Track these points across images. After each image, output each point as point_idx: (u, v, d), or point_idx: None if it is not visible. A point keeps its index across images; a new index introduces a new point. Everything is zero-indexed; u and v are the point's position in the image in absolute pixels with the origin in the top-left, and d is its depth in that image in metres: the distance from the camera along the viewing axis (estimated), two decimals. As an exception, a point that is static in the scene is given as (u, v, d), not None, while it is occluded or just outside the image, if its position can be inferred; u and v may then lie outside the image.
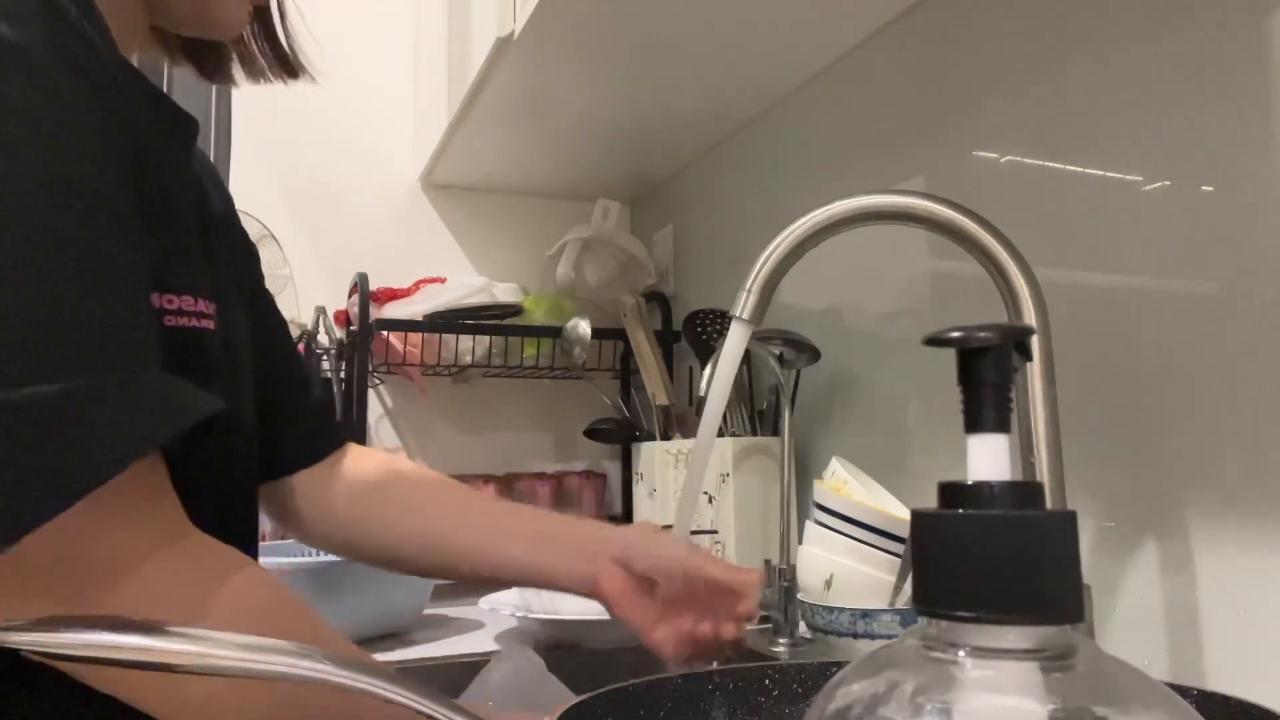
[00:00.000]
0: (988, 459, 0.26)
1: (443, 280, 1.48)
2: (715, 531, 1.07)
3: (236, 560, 0.47)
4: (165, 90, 0.59)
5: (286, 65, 0.70)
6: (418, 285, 1.47)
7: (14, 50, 0.41)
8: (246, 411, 0.62)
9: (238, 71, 0.70)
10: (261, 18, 0.68)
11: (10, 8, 0.42)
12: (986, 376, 0.26)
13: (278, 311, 0.76)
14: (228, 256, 0.65)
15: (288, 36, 0.70)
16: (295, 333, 1.42)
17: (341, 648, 0.50)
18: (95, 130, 0.44)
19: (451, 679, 0.87)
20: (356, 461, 0.76)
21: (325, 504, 0.73)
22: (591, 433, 1.45)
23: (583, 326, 1.35)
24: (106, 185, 0.43)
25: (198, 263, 0.56)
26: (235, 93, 1.50)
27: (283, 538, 1.11)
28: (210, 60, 0.69)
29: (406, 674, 0.34)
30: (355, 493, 0.74)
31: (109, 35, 0.49)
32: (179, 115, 0.58)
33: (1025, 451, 0.60)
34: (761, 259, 0.61)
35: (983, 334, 0.26)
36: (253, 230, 1.44)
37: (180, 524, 0.45)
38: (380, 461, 0.77)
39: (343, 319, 1.46)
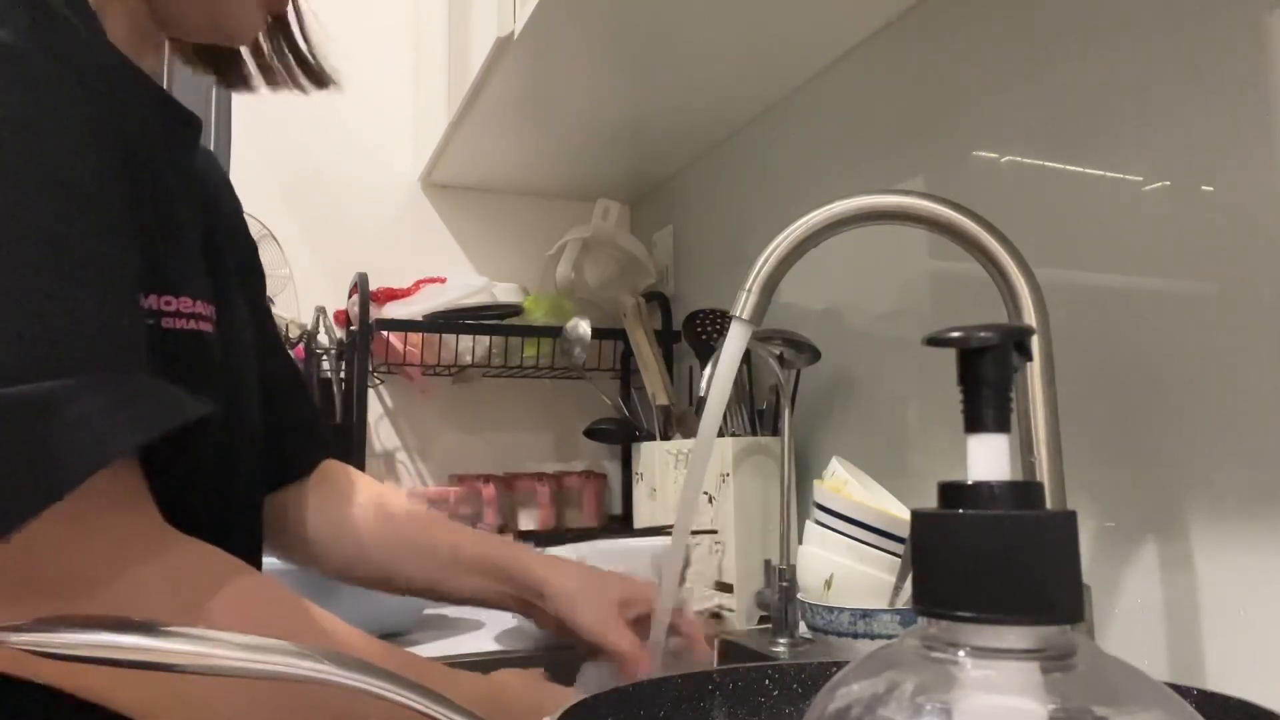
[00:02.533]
0: (988, 459, 0.26)
1: (443, 280, 1.48)
2: (715, 531, 1.07)
3: (221, 567, 0.46)
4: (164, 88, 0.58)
5: (309, 73, 0.70)
6: (418, 285, 1.47)
7: (3, 51, 0.40)
8: (249, 418, 0.61)
9: (257, 79, 0.69)
10: (281, 26, 0.67)
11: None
12: (986, 376, 0.26)
13: (274, 322, 0.77)
14: (235, 260, 0.64)
15: (309, 44, 0.69)
16: (295, 333, 1.42)
17: (345, 639, 0.50)
18: (80, 125, 0.43)
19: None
20: (330, 481, 0.76)
21: (294, 520, 0.74)
22: (591, 433, 1.45)
23: (583, 326, 1.35)
24: (92, 181, 0.43)
25: (197, 264, 0.55)
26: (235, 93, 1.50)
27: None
28: (230, 68, 0.68)
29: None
30: (324, 514, 0.74)
31: (100, 29, 0.48)
32: (181, 113, 0.57)
33: (1025, 451, 0.60)
34: (761, 259, 0.61)
35: (983, 334, 0.26)
36: (253, 230, 1.44)
37: (158, 533, 0.44)
38: (350, 484, 0.77)
39: (343, 319, 1.46)
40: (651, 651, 0.64)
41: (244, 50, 0.68)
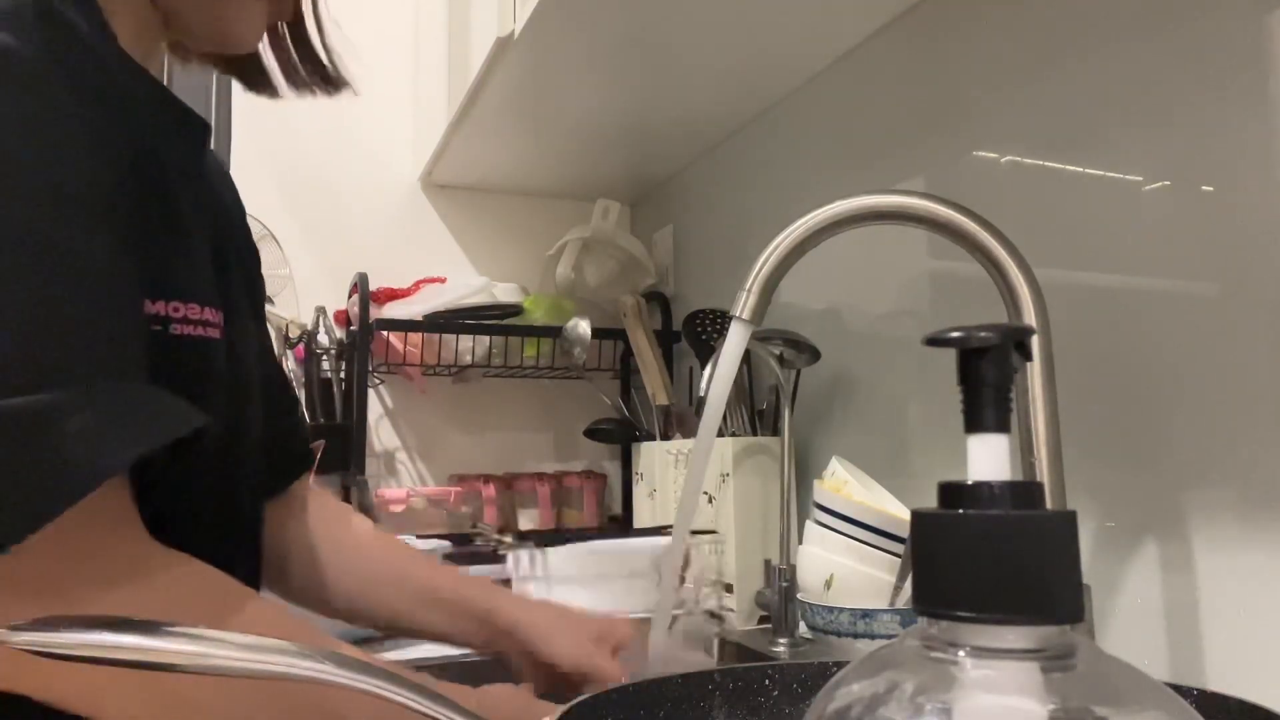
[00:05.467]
0: (988, 459, 0.26)
1: (443, 280, 1.48)
2: (715, 531, 1.07)
3: (211, 585, 0.45)
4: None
5: (327, 79, 0.70)
6: (418, 285, 1.47)
7: (8, 57, 0.41)
8: (253, 427, 0.60)
9: (280, 83, 0.69)
10: (296, 32, 0.67)
11: (7, 14, 0.41)
12: (986, 376, 0.26)
13: (267, 330, 0.75)
14: (241, 265, 0.64)
15: (327, 51, 0.69)
16: (295, 333, 1.42)
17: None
18: (89, 137, 0.43)
19: (451, 679, 0.87)
20: (307, 500, 0.74)
21: (277, 537, 0.71)
22: (591, 433, 1.45)
23: (583, 326, 1.35)
24: (98, 193, 0.43)
25: (205, 270, 0.54)
26: (235, 92, 1.50)
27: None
28: (251, 73, 0.68)
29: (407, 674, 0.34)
30: (301, 532, 0.72)
31: (110, 35, 0.48)
32: (190, 118, 0.57)
33: (1025, 451, 0.60)
34: (761, 259, 0.61)
35: (983, 334, 0.26)
36: (253, 230, 1.44)
37: (145, 551, 0.44)
38: (322, 505, 0.75)
39: (343, 319, 1.46)
40: (650, 655, 0.64)
41: (270, 56, 0.68)
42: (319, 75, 0.70)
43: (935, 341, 0.27)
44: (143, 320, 0.47)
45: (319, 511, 0.74)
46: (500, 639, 0.70)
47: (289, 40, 0.68)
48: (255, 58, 0.67)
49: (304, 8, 0.66)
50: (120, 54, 0.49)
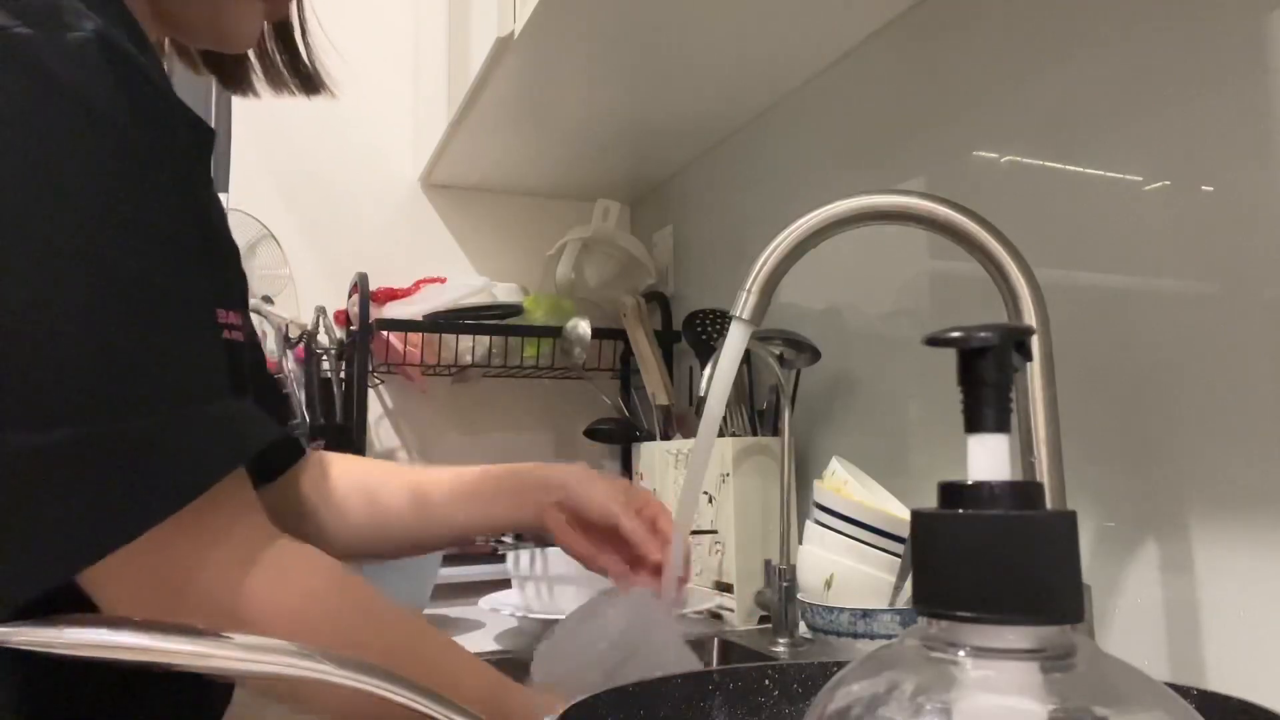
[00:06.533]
0: (988, 459, 0.26)
1: (443, 280, 1.48)
2: (715, 531, 1.07)
3: (326, 564, 0.49)
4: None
5: (307, 80, 0.71)
6: (418, 285, 1.47)
7: (77, 95, 0.42)
8: None
9: (259, 83, 0.71)
10: (282, 32, 0.68)
11: (74, 50, 0.43)
12: (986, 376, 0.26)
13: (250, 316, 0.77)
14: (231, 264, 0.65)
15: (309, 51, 0.70)
16: (295, 333, 1.42)
17: (440, 640, 0.53)
18: (156, 169, 0.46)
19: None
20: (312, 466, 0.77)
21: (292, 508, 0.74)
22: (591, 433, 1.45)
23: (583, 326, 1.35)
24: (169, 222, 0.46)
25: (227, 275, 0.57)
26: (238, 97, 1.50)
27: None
28: (232, 72, 0.69)
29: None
30: (316, 493, 0.75)
31: (157, 59, 0.49)
32: (203, 128, 0.58)
33: (1025, 451, 0.60)
34: (761, 259, 0.61)
35: (983, 334, 0.26)
36: (253, 230, 1.45)
37: (267, 534, 0.48)
38: (324, 460, 0.78)
39: (343, 319, 1.46)
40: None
41: (251, 55, 0.69)
42: (300, 76, 0.71)
43: (935, 341, 0.27)
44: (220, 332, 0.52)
45: (321, 471, 0.77)
46: (532, 499, 0.73)
47: (272, 40, 0.69)
48: (239, 56, 0.68)
49: (291, 8, 0.67)
50: (165, 78, 0.50)
